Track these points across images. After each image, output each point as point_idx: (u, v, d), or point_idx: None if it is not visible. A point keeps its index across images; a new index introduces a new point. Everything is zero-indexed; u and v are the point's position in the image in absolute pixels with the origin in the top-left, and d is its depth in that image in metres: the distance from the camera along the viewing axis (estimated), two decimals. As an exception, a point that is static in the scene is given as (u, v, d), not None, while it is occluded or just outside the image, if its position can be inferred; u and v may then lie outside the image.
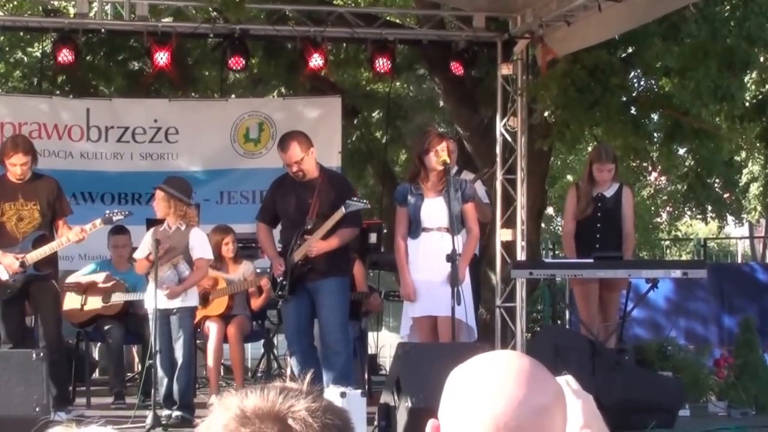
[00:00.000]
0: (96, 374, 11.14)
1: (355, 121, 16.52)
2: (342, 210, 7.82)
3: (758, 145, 14.04)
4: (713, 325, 14.44)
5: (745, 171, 21.62)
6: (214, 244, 8.78)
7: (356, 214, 8.18)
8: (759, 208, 23.60)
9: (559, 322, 14.87)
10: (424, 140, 8.23)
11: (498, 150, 11.53)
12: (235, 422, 1.53)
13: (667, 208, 28.43)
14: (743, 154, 19.19)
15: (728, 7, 11.13)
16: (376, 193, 17.54)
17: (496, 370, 1.73)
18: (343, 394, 6.44)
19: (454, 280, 7.59)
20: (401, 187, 8.47)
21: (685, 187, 16.83)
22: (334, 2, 14.39)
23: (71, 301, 9.35)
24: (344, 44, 13.48)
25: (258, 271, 9.56)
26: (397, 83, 17.30)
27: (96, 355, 12.06)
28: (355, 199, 8.04)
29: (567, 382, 1.89)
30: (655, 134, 13.01)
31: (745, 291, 14.56)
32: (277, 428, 1.52)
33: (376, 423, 7.17)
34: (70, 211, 8.45)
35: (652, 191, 26.47)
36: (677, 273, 8.94)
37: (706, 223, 29.83)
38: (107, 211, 8.41)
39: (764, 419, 8.52)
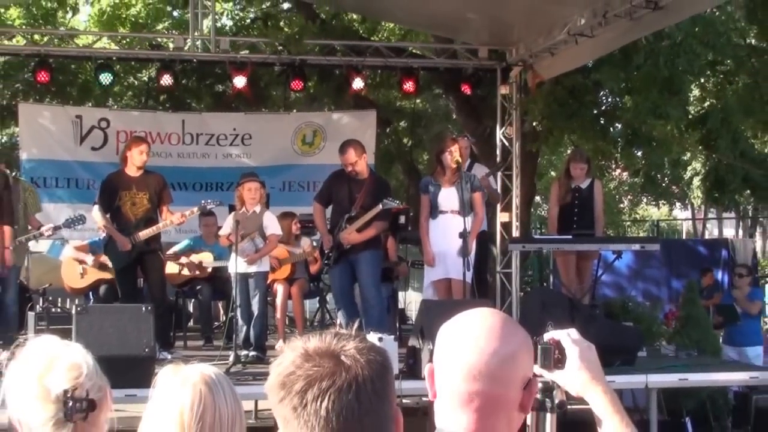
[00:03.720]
0: (191, 323, 11.20)
1: (387, 130, 16.50)
2: (380, 206, 7.80)
3: (699, 147, 13.96)
4: (664, 286, 14.37)
5: (689, 168, 21.44)
6: (284, 225, 8.76)
7: (388, 212, 8.11)
8: (700, 195, 23.44)
9: (545, 284, 14.85)
10: (441, 144, 8.26)
11: (498, 152, 11.52)
12: (301, 359, 1.54)
13: (628, 197, 28.32)
14: (688, 155, 19.02)
15: (668, 43, 11.11)
16: (403, 185, 17.56)
17: (473, 326, 1.72)
18: (380, 339, 6.42)
19: (464, 251, 7.64)
20: (424, 179, 8.45)
21: (642, 180, 16.74)
22: (372, 39, 14.36)
23: (171, 268, 9.40)
24: (379, 71, 13.47)
25: (314, 244, 9.57)
26: (419, 100, 17.26)
27: (191, 308, 12.12)
28: (391, 199, 7.97)
29: (568, 333, 1.88)
30: (619, 140, 12.90)
31: (688, 261, 14.48)
32: (333, 363, 1.52)
33: (405, 361, 7.18)
34: (171, 200, 8.47)
35: (617, 183, 26.35)
36: (636, 246, 8.90)
37: (659, 208, 29.77)
38: (203, 201, 8.41)
39: (704, 359, 8.51)
